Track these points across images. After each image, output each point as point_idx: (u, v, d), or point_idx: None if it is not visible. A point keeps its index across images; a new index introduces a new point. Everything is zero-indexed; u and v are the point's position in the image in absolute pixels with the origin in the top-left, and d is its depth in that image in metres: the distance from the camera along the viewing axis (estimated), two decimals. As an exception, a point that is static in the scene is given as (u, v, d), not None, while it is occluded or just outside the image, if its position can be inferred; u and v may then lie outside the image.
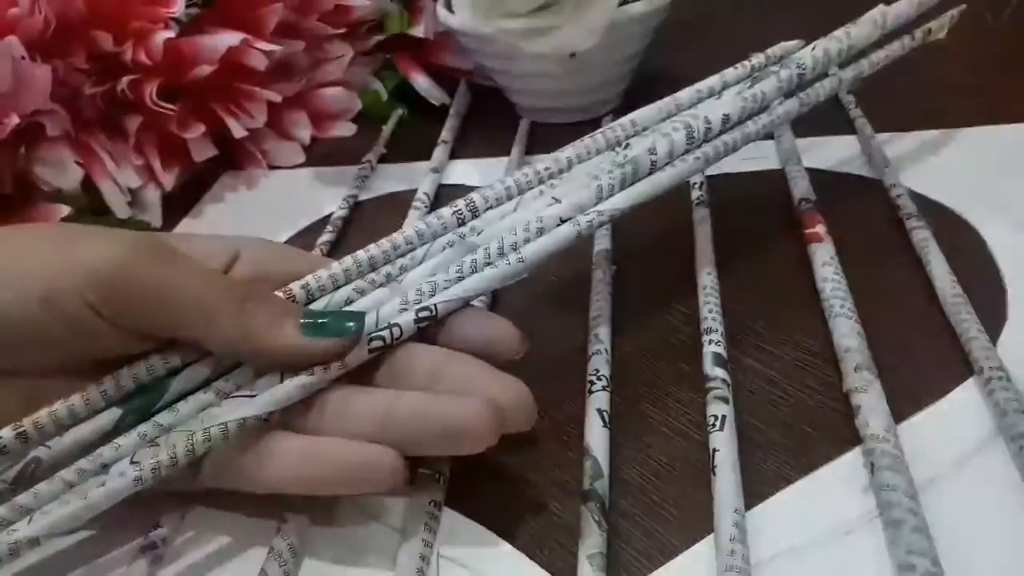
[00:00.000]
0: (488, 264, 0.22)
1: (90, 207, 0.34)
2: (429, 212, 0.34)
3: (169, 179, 0.37)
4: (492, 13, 0.34)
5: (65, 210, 0.32)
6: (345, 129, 0.41)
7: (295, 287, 0.21)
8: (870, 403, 0.21)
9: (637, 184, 0.23)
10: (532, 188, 0.24)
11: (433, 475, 0.21)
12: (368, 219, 0.35)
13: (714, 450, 0.20)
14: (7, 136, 0.30)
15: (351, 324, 0.19)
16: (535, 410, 0.19)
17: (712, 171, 0.33)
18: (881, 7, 0.28)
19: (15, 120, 0.30)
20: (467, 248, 0.22)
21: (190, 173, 0.39)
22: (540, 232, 0.22)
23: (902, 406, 0.21)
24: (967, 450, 0.20)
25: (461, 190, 0.36)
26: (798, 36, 0.47)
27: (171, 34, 0.34)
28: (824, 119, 0.37)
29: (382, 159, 0.40)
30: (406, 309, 0.21)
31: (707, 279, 0.26)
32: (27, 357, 0.19)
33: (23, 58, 0.30)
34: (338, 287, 0.22)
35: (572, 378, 0.24)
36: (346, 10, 0.40)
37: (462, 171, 0.38)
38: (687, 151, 0.24)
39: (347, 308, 0.21)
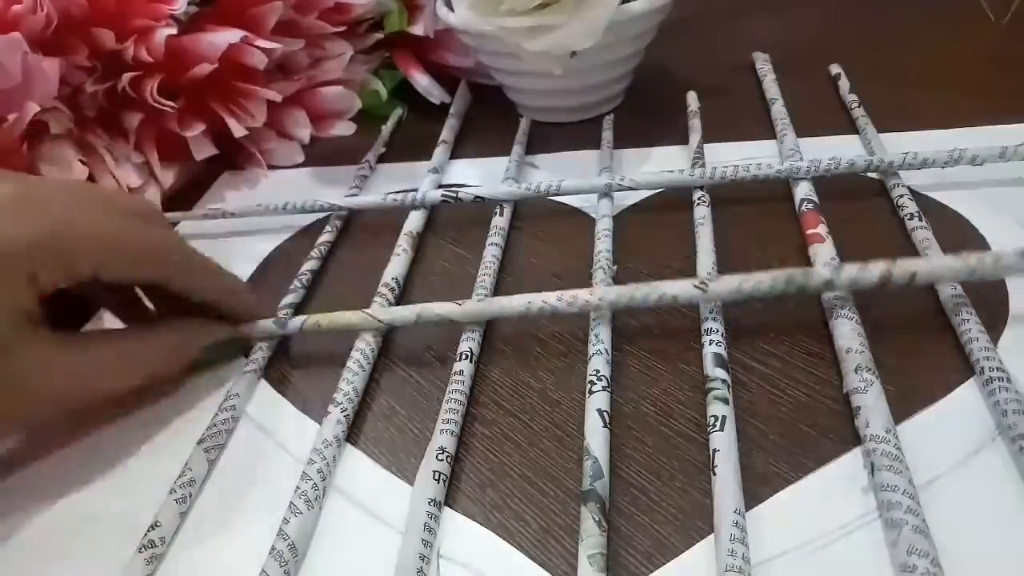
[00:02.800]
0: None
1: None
2: (429, 213, 0.34)
3: (168, 177, 0.37)
4: (492, 11, 0.33)
5: None
6: (345, 128, 0.41)
7: None
8: (870, 403, 0.21)
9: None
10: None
11: (433, 475, 0.21)
12: (368, 219, 0.35)
13: (714, 450, 0.20)
14: (11, 130, 0.30)
15: None
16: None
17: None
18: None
19: (35, 108, 0.30)
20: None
21: (190, 172, 0.39)
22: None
23: (902, 406, 0.21)
24: (967, 450, 0.20)
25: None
26: (796, 35, 0.47)
27: (172, 31, 0.34)
28: (826, 119, 0.37)
29: (381, 158, 0.40)
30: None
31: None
32: None
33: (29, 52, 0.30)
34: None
35: (572, 378, 0.24)
36: (346, 8, 0.40)
37: (462, 171, 0.38)
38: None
39: None
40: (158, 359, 0.24)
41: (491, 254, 0.30)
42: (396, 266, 0.30)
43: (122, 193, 0.26)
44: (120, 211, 0.24)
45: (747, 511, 0.19)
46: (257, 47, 0.35)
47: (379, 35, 0.43)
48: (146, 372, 0.24)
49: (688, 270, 0.28)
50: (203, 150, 0.38)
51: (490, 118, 0.42)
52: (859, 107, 0.36)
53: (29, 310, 0.21)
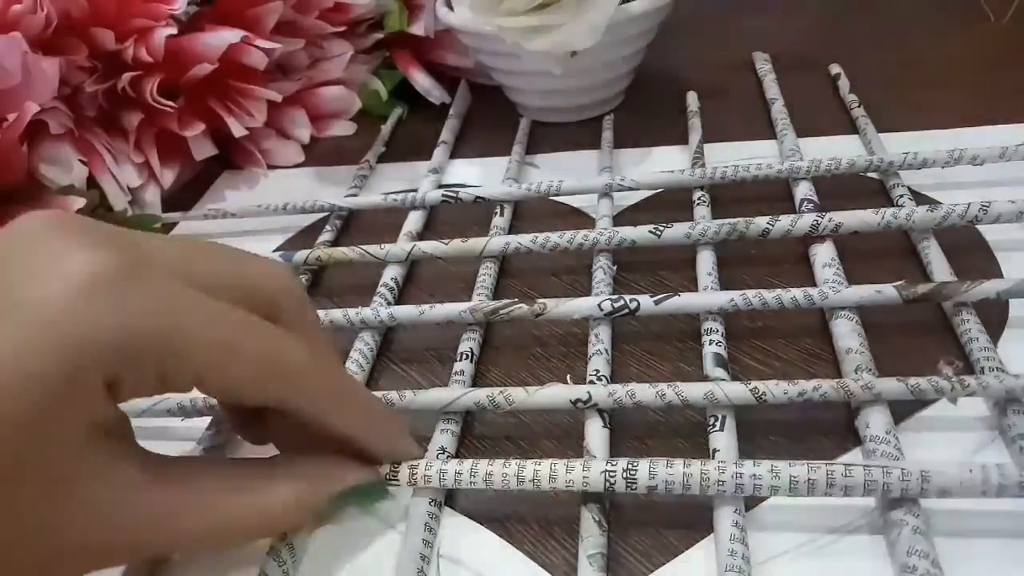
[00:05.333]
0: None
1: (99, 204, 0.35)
2: (429, 213, 0.34)
3: (169, 177, 0.37)
4: (492, 11, 0.33)
5: (81, 202, 0.32)
6: (344, 128, 0.41)
7: None
8: (870, 403, 0.21)
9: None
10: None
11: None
12: (367, 219, 0.35)
13: (714, 450, 0.20)
14: (11, 130, 0.30)
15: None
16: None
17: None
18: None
19: (35, 108, 0.30)
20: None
21: (190, 172, 0.39)
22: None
23: (902, 406, 0.21)
24: (967, 450, 0.20)
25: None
26: (796, 35, 0.47)
27: (172, 31, 0.34)
28: (826, 119, 0.37)
29: (381, 158, 0.40)
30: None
31: (707, 279, 0.26)
32: None
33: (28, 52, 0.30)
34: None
35: (572, 378, 0.24)
36: (345, 8, 0.40)
37: (462, 171, 0.38)
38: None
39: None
40: (266, 519, 0.18)
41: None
42: (395, 266, 0.30)
43: (252, 264, 0.19)
44: (248, 294, 0.18)
45: (747, 511, 0.19)
46: (257, 47, 0.35)
47: (379, 35, 0.43)
48: (247, 534, 0.19)
49: (688, 271, 0.28)
50: (203, 150, 0.38)
51: (490, 118, 0.42)
52: (859, 107, 0.36)
53: (104, 422, 0.16)
